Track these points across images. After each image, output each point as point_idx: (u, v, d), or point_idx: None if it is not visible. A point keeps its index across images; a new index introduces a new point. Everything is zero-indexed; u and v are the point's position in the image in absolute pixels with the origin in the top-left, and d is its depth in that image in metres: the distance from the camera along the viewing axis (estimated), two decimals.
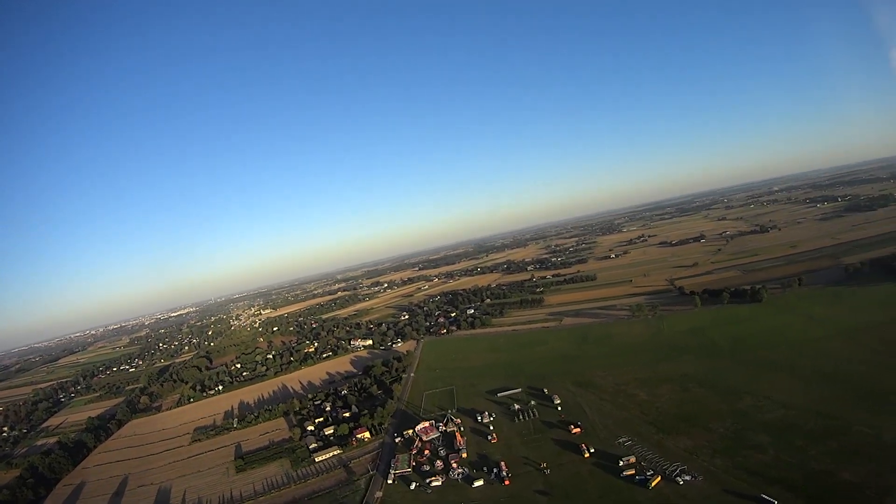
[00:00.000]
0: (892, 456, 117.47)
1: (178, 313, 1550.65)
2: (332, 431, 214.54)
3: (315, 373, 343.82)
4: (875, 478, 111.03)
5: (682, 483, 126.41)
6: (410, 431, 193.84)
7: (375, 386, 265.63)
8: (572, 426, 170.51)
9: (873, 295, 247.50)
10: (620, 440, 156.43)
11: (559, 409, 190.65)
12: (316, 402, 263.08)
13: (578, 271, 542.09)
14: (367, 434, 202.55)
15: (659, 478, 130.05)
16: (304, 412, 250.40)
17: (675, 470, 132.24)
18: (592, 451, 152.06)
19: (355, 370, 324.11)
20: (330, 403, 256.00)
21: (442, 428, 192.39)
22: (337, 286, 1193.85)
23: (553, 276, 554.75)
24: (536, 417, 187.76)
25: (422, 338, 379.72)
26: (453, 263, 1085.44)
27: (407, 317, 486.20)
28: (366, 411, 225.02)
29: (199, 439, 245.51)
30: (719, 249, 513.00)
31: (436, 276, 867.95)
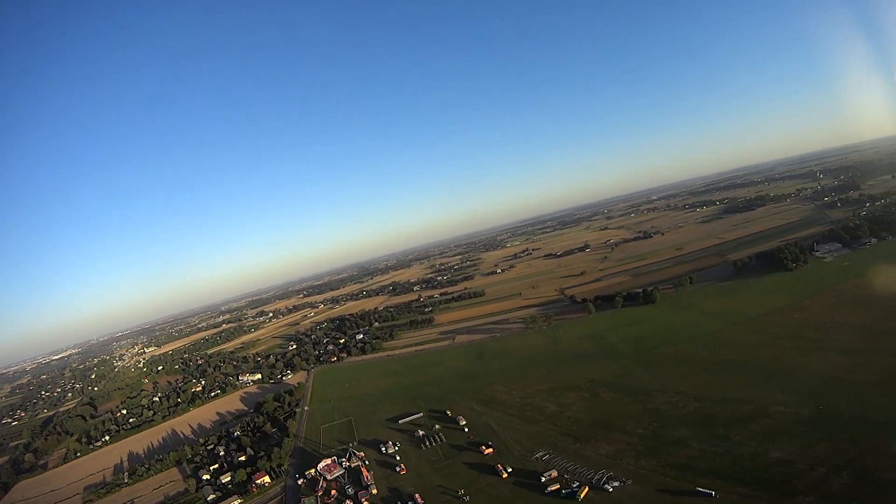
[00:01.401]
0: (815, 429, 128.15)
1: (61, 356, 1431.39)
2: (229, 479, 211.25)
3: (205, 414, 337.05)
4: (804, 451, 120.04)
5: (611, 490, 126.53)
6: (313, 471, 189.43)
7: (269, 424, 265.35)
8: (484, 447, 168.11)
9: (763, 286, 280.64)
10: (537, 455, 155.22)
11: (466, 430, 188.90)
12: (209, 447, 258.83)
13: (466, 288, 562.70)
14: (266, 478, 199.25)
15: (586, 488, 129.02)
16: (197, 459, 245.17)
17: (602, 478, 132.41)
18: (510, 470, 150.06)
19: (246, 408, 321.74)
20: (223, 447, 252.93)
21: (346, 463, 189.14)
22: (221, 318, 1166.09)
23: (440, 294, 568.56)
24: (444, 442, 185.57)
25: (312, 367, 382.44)
26: (338, 288, 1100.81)
27: (295, 346, 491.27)
28: (262, 452, 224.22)
29: (91, 500, 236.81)
30: (605, 257, 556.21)
31: (321, 303, 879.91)
